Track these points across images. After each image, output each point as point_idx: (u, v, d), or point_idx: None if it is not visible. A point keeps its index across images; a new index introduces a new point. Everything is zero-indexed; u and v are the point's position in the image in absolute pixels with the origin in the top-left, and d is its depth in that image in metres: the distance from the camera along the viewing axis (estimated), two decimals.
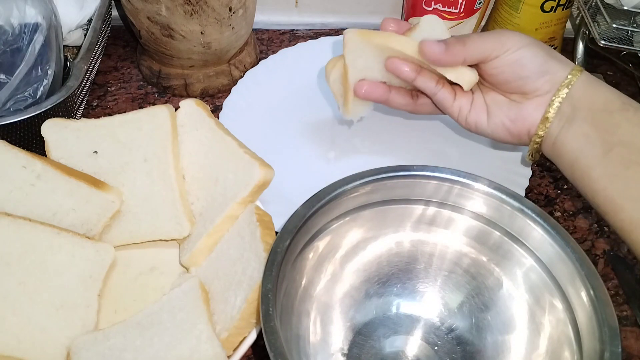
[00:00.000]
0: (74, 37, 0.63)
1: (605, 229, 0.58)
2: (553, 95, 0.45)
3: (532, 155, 0.49)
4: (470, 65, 0.49)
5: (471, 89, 0.50)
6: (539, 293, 0.44)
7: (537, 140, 0.47)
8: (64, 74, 0.58)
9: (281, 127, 0.63)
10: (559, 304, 0.42)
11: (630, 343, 0.50)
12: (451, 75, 0.48)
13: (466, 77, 0.48)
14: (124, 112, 0.51)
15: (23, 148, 0.48)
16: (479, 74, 0.49)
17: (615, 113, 0.42)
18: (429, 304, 0.47)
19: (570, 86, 0.45)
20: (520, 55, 0.46)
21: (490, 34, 0.48)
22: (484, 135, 0.51)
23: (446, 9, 0.67)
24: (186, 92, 0.67)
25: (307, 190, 0.43)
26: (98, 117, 0.51)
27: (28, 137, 0.52)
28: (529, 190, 0.60)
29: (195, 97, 0.64)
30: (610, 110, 0.43)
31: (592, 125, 0.43)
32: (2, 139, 0.48)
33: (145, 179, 0.49)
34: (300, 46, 0.71)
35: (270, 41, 0.75)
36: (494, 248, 0.46)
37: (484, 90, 0.50)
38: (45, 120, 0.50)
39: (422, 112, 0.54)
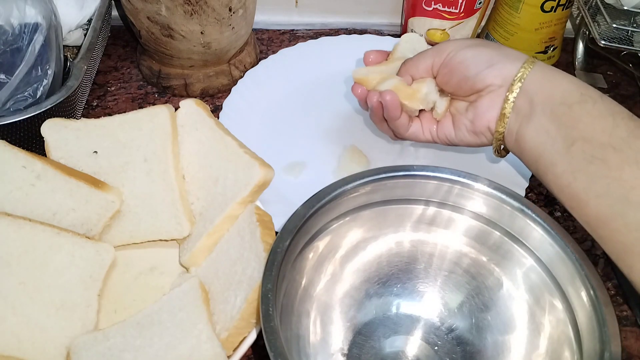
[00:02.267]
0: (74, 37, 0.63)
1: None
2: (507, 90, 0.45)
3: (497, 152, 0.49)
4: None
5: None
6: (539, 293, 0.44)
7: (498, 137, 0.47)
8: (64, 74, 0.58)
9: (281, 127, 0.63)
10: (559, 304, 0.42)
11: (630, 343, 0.50)
12: (424, 105, 0.51)
13: (438, 107, 0.51)
14: (124, 112, 0.51)
15: (23, 148, 0.48)
16: (438, 86, 0.51)
17: (575, 106, 0.42)
18: (429, 304, 0.47)
19: (522, 80, 0.44)
20: (463, 56, 0.47)
21: (431, 48, 0.51)
22: (454, 145, 0.52)
23: (446, 9, 0.67)
24: (186, 92, 0.67)
25: (307, 190, 0.43)
26: (98, 117, 0.51)
27: (28, 137, 0.52)
28: (529, 190, 0.60)
29: (195, 97, 0.64)
30: (569, 103, 0.42)
31: (552, 120, 0.42)
32: (2, 139, 0.48)
33: (145, 179, 0.49)
34: (300, 46, 0.71)
35: (270, 41, 0.75)
36: (494, 248, 0.46)
37: (450, 104, 0.51)
38: (45, 120, 0.50)
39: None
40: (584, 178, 0.40)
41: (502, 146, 0.48)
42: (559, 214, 0.59)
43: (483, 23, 0.75)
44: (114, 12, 0.72)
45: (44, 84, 0.53)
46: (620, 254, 0.39)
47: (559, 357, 0.41)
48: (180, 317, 0.42)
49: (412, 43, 0.55)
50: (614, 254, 0.40)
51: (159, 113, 0.50)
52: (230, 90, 0.65)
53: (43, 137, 0.49)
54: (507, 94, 0.45)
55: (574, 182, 0.41)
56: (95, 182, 0.47)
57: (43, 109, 0.52)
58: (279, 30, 0.77)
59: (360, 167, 0.58)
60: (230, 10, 0.61)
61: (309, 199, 0.42)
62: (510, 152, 0.49)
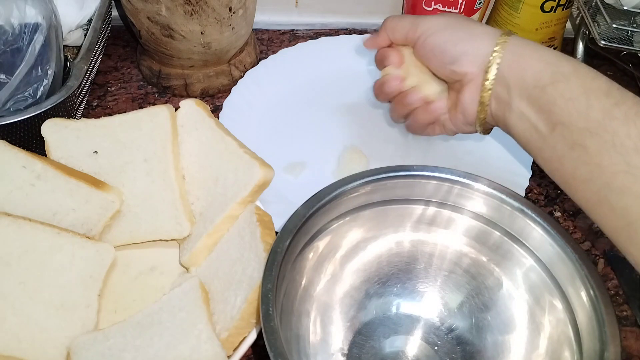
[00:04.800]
0: (74, 37, 0.63)
1: None
2: (483, 78, 0.44)
3: (484, 132, 0.48)
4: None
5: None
6: (539, 293, 0.44)
7: (481, 123, 0.46)
8: (64, 74, 0.58)
9: (281, 127, 0.63)
10: (559, 304, 0.42)
11: (630, 343, 0.50)
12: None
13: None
14: (124, 112, 0.51)
15: (23, 148, 0.48)
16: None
17: (548, 87, 0.41)
18: (429, 304, 0.47)
19: (497, 64, 0.43)
20: (436, 41, 0.46)
21: (411, 18, 0.49)
22: (454, 134, 0.51)
23: (446, 9, 0.67)
24: (186, 92, 0.67)
25: (307, 190, 0.43)
26: (98, 117, 0.51)
27: (28, 137, 0.52)
28: (529, 190, 0.60)
29: (195, 97, 0.64)
30: (542, 85, 0.41)
31: (529, 105, 0.42)
32: (2, 139, 0.48)
33: (145, 179, 0.49)
34: (300, 46, 0.71)
35: (270, 41, 0.75)
36: (494, 248, 0.46)
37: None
38: (45, 120, 0.50)
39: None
40: (569, 164, 0.40)
41: (486, 127, 0.48)
42: (559, 214, 0.59)
43: (483, 23, 0.75)
44: (114, 12, 0.72)
45: (44, 84, 0.53)
46: (614, 237, 0.39)
47: (559, 357, 0.41)
48: (180, 317, 0.42)
49: None
50: (609, 236, 0.40)
51: (159, 113, 0.50)
52: (230, 90, 0.65)
53: (43, 137, 0.50)
54: (485, 82, 0.44)
55: (561, 168, 0.41)
56: (95, 182, 0.47)
57: (43, 109, 0.52)
58: (279, 30, 0.77)
59: (360, 167, 0.58)
60: (230, 10, 0.61)
61: (309, 199, 0.42)
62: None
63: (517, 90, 0.42)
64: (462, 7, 0.67)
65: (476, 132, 0.50)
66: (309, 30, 0.77)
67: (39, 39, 0.53)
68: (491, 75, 0.43)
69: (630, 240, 0.37)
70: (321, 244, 0.44)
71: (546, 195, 0.61)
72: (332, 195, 0.43)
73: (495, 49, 0.43)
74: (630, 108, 0.38)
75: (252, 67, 0.68)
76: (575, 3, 0.69)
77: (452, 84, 0.48)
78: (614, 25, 0.63)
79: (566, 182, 0.41)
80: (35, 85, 0.53)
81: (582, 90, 0.40)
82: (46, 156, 0.49)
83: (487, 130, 0.48)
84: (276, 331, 0.35)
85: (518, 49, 0.43)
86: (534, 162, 0.59)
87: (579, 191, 0.40)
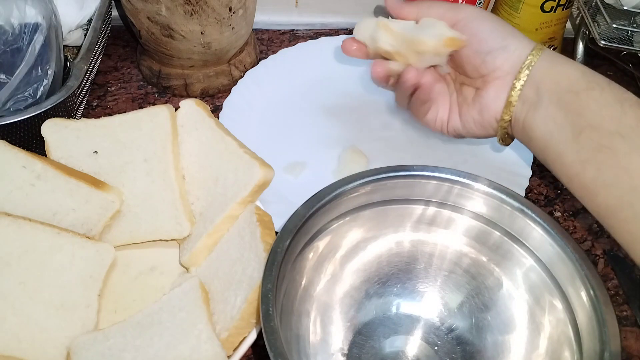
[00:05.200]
0: (74, 37, 0.63)
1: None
2: (514, 78, 0.44)
3: (502, 140, 0.48)
4: None
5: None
6: (539, 293, 0.44)
7: (504, 125, 0.46)
8: (64, 74, 0.58)
9: (281, 127, 0.63)
10: (559, 304, 0.42)
11: (630, 343, 0.50)
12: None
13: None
14: (124, 112, 0.51)
15: (23, 148, 0.48)
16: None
17: (582, 93, 0.41)
18: (429, 304, 0.47)
19: (530, 67, 0.43)
20: (480, 27, 0.45)
21: (445, 2, 0.48)
22: (462, 136, 0.50)
23: None
24: (186, 92, 0.67)
25: (307, 190, 0.43)
26: (98, 117, 0.51)
27: (28, 137, 0.52)
28: (529, 190, 0.60)
29: (195, 97, 0.64)
30: (576, 90, 0.41)
31: (559, 108, 0.42)
32: (2, 139, 0.48)
33: (145, 179, 0.49)
34: (300, 46, 0.71)
35: (270, 41, 0.75)
36: (494, 248, 0.46)
37: (457, 90, 0.50)
38: (45, 120, 0.50)
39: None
40: (592, 168, 0.40)
41: (507, 134, 0.47)
42: (559, 214, 0.59)
43: None
44: (114, 12, 0.72)
45: (44, 84, 0.53)
46: (631, 244, 0.39)
47: (559, 357, 0.41)
48: (180, 317, 0.42)
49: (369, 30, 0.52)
50: (624, 243, 0.39)
51: (159, 113, 0.50)
52: (230, 90, 0.65)
53: (43, 137, 0.50)
54: (515, 81, 0.44)
55: (582, 172, 0.40)
56: (95, 182, 0.48)
57: (43, 109, 0.52)
58: (279, 30, 0.77)
59: (360, 167, 0.58)
60: (230, 10, 0.61)
61: (309, 199, 0.42)
62: (513, 142, 0.48)
63: (548, 92, 0.42)
64: None
65: (482, 137, 0.49)
66: (309, 30, 0.77)
67: (39, 39, 0.54)
68: (523, 75, 0.43)
69: None
70: (321, 244, 0.44)
71: (546, 195, 0.61)
72: (332, 195, 0.43)
73: (532, 52, 0.44)
74: None
75: (252, 67, 0.68)
76: (575, 3, 0.69)
77: (474, 80, 0.47)
78: (614, 25, 0.63)
79: (585, 187, 0.41)
80: (35, 85, 0.53)
81: (617, 99, 0.40)
82: (46, 156, 0.49)
83: (505, 139, 0.47)
84: (276, 331, 0.35)
85: (553, 57, 0.43)
86: (534, 162, 0.60)
87: (600, 196, 0.40)
